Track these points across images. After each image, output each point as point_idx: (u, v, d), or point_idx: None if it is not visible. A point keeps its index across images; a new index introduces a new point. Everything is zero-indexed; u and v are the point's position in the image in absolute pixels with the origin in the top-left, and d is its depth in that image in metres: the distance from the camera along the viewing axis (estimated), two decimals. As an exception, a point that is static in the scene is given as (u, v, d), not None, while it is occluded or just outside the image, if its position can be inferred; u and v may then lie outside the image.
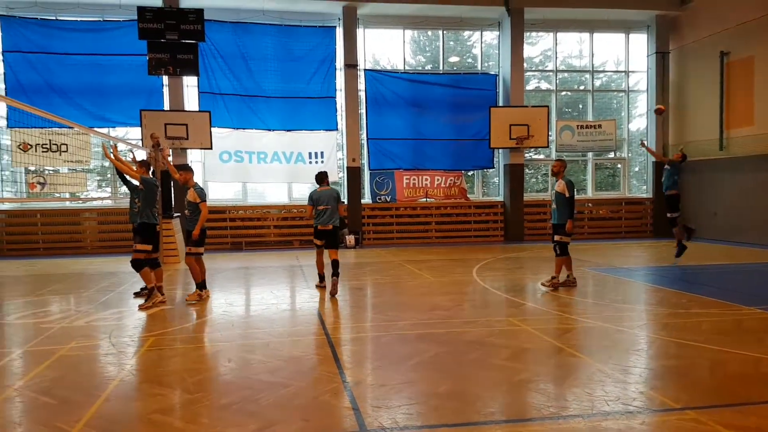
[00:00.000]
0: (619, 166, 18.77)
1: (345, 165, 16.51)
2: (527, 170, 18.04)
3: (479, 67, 17.81)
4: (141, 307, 7.42)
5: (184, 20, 14.10)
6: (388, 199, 16.92)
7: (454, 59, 18.06)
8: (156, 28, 14.00)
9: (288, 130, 16.32)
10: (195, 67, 14.62)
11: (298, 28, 16.07)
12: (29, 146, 14.88)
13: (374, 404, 4.01)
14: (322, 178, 8.75)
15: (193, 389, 4.44)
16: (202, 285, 8.14)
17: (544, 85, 18.46)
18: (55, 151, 15.04)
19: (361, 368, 4.97)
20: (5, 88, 14.78)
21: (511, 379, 4.56)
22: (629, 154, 18.76)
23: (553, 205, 8.59)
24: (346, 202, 16.16)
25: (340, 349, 5.49)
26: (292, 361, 5.08)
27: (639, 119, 19.01)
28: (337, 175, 16.67)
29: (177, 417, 3.89)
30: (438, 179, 17.21)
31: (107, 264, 12.72)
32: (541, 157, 18.58)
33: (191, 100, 15.82)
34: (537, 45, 18.53)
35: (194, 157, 15.98)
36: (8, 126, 14.90)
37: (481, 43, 17.85)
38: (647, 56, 18.11)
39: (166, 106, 15.40)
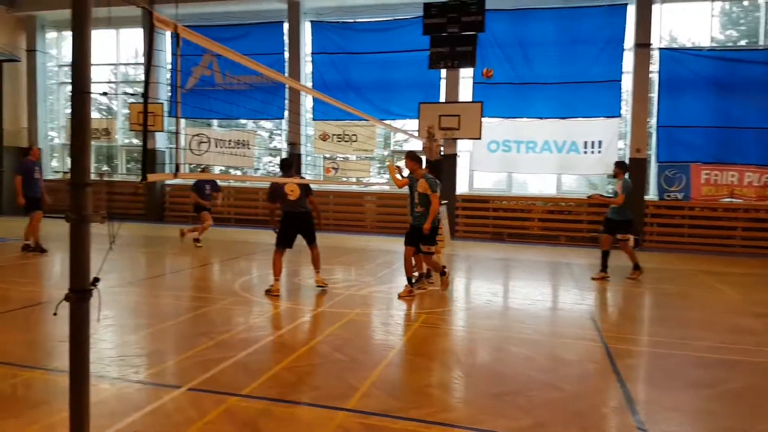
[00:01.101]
0: None
1: (627, 156, 15.00)
2: None
3: (814, 40, 14.25)
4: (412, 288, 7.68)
5: (465, 12, 14.42)
6: (680, 197, 14.74)
7: (778, 32, 14.83)
8: (439, 23, 14.63)
9: (562, 118, 15.54)
10: (472, 58, 14.84)
11: (582, 9, 15.06)
12: (328, 136, 17.28)
13: (665, 428, 3.49)
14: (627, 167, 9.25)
15: (465, 371, 4.50)
16: (411, 280, 7.37)
17: None
18: (347, 141, 17.15)
19: (647, 386, 4.36)
20: (312, 85, 17.34)
21: None
22: None
23: None
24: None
25: (621, 361, 4.90)
26: (564, 364, 4.74)
27: None
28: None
29: (450, 394, 3.97)
30: (749, 176, 14.19)
31: (384, 243, 13.97)
32: None
33: (464, 91, 16.26)
34: None
35: (462, 147, 16.44)
36: (314, 118, 17.52)
37: (820, 9, 14.25)
38: None
39: (442, 98, 16.14)
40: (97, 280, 2.64)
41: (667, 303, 7.81)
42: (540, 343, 5.36)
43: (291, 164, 7.61)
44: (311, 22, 17.32)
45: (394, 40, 16.50)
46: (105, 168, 18.48)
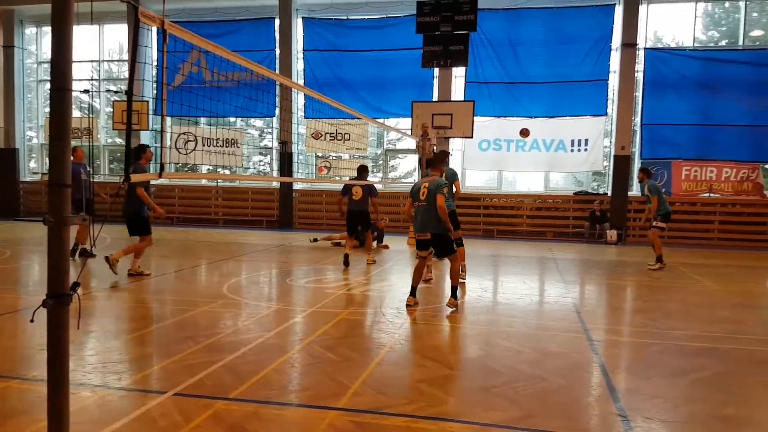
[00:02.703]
0: None
1: (612, 153, 15.24)
2: None
3: (791, 41, 14.58)
4: None
5: (458, 11, 14.43)
6: (661, 192, 15.12)
7: (757, 33, 15.17)
8: (432, 21, 14.62)
9: (551, 117, 15.75)
10: (465, 57, 14.88)
11: (572, 9, 15.30)
12: (320, 135, 17.28)
13: (646, 415, 3.63)
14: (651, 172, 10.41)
15: (455, 366, 4.61)
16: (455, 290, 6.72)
17: None
18: (339, 140, 17.15)
19: (629, 376, 4.53)
20: (304, 83, 17.32)
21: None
22: None
23: None
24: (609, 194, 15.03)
25: (604, 352, 5.08)
26: (549, 356, 4.87)
27: None
28: (602, 165, 15.50)
29: (441, 390, 4.05)
30: (726, 171, 14.64)
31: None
32: None
33: (457, 90, 16.38)
34: None
35: (455, 146, 16.56)
36: (305, 116, 17.51)
37: (797, 10, 14.57)
38: None
39: (435, 97, 16.23)
40: (77, 285, 2.47)
41: (648, 295, 8.03)
42: (528, 336, 5.50)
43: (365, 170, 10.17)
44: (303, 18, 17.27)
45: (388, 38, 16.52)
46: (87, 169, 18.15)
